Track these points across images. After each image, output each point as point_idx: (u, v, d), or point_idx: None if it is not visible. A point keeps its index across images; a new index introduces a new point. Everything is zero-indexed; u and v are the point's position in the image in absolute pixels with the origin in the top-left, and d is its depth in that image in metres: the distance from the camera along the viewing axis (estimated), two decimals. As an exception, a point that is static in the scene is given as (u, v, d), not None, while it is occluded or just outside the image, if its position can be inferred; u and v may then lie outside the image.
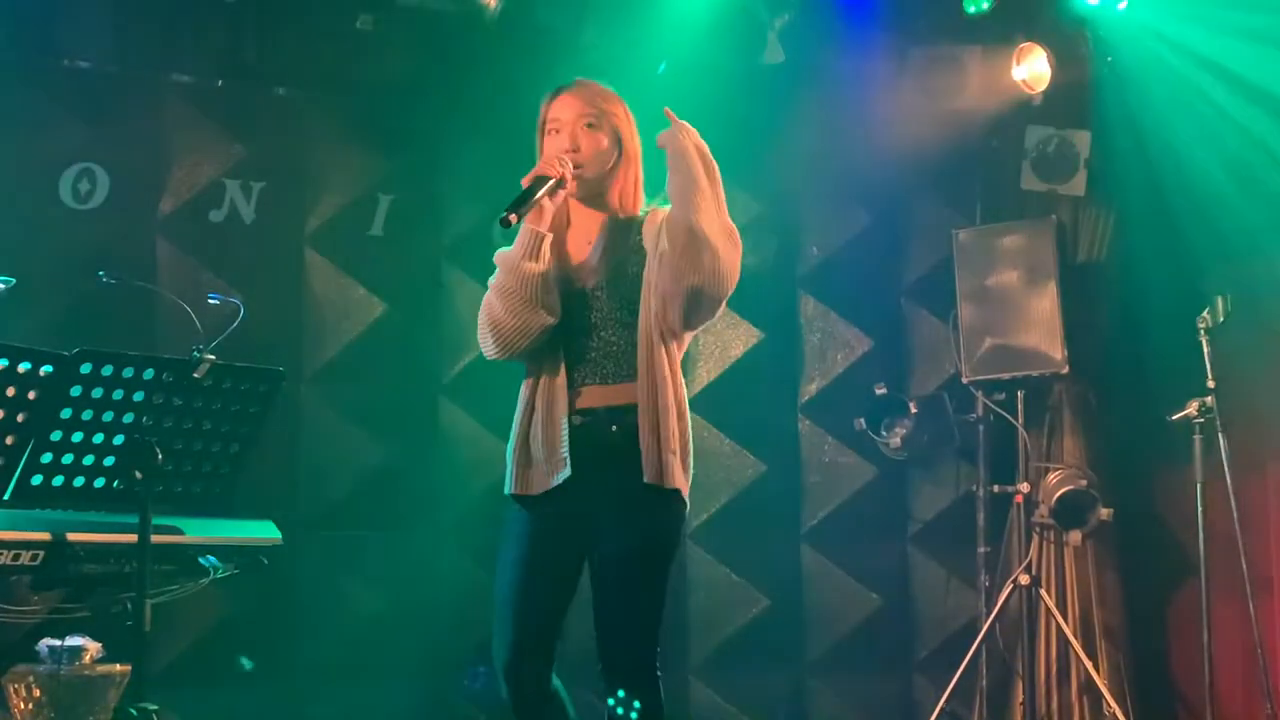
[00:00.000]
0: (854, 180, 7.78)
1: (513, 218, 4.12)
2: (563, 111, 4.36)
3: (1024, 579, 7.16)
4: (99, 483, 4.44)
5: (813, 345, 7.85)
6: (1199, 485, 6.71)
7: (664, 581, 4.29)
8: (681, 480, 4.24)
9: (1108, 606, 7.43)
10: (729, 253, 4.19)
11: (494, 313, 4.21)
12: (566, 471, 4.19)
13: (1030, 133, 7.50)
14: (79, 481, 4.40)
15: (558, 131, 4.34)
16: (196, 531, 4.75)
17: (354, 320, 7.05)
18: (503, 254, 4.24)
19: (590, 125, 4.34)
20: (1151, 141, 7.25)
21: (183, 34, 6.77)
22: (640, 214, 4.40)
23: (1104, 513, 7.21)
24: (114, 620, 4.71)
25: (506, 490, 4.29)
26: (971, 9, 7.13)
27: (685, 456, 4.26)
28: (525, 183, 4.21)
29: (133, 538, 4.40)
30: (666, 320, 4.17)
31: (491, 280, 4.27)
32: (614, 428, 4.22)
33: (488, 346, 4.26)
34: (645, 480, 4.17)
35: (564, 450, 4.20)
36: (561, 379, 4.25)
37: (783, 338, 7.81)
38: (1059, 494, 7.27)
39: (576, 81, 4.44)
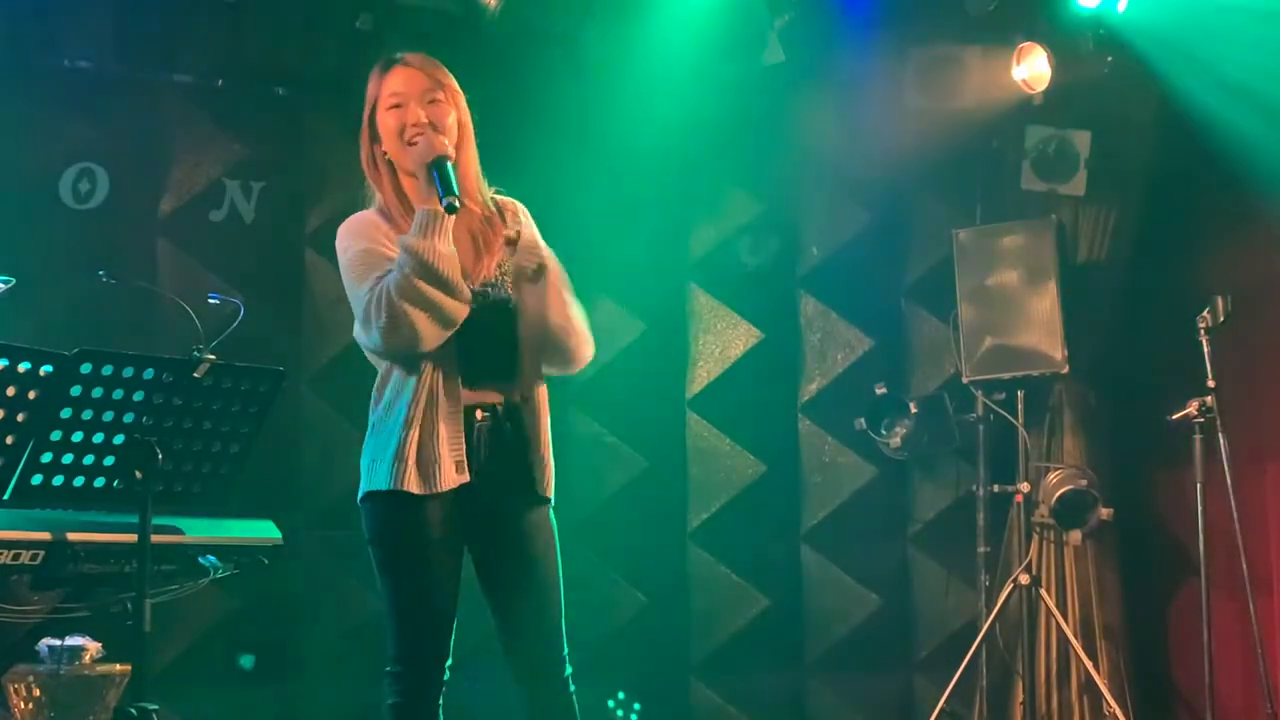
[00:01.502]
0: (854, 180, 7.83)
1: (455, 201, 4.02)
2: (404, 86, 4.23)
3: (1024, 579, 7.17)
4: (99, 482, 4.43)
5: (813, 345, 7.89)
6: (1199, 485, 6.70)
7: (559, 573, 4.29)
8: (551, 478, 4.27)
9: (1108, 606, 7.45)
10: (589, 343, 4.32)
11: (419, 304, 4.01)
12: (466, 476, 4.14)
13: (1030, 132, 7.52)
14: (79, 481, 4.40)
15: (400, 106, 4.21)
16: (196, 531, 4.74)
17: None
18: (410, 244, 4.03)
19: (433, 101, 4.22)
20: (1151, 141, 7.29)
21: (183, 34, 6.80)
22: (488, 202, 4.34)
23: (1104, 512, 7.22)
24: (114, 620, 4.72)
25: (389, 486, 4.11)
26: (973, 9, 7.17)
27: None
28: (424, 162, 4.08)
29: (132, 537, 4.40)
30: None
31: (400, 273, 4.03)
32: (508, 424, 4.22)
33: (399, 339, 4.05)
34: (534, 477, 4.22)
35: (464, 449, 4.14)
36: (456, 375, 4.16)
37: (783, 337, 7.86)
38: (1059, 494, 7.27)
39: (408, 55, 4.30)
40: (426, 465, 4.10)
